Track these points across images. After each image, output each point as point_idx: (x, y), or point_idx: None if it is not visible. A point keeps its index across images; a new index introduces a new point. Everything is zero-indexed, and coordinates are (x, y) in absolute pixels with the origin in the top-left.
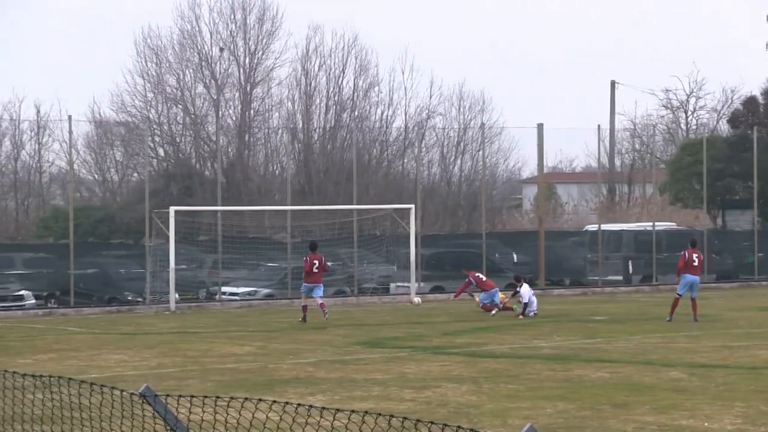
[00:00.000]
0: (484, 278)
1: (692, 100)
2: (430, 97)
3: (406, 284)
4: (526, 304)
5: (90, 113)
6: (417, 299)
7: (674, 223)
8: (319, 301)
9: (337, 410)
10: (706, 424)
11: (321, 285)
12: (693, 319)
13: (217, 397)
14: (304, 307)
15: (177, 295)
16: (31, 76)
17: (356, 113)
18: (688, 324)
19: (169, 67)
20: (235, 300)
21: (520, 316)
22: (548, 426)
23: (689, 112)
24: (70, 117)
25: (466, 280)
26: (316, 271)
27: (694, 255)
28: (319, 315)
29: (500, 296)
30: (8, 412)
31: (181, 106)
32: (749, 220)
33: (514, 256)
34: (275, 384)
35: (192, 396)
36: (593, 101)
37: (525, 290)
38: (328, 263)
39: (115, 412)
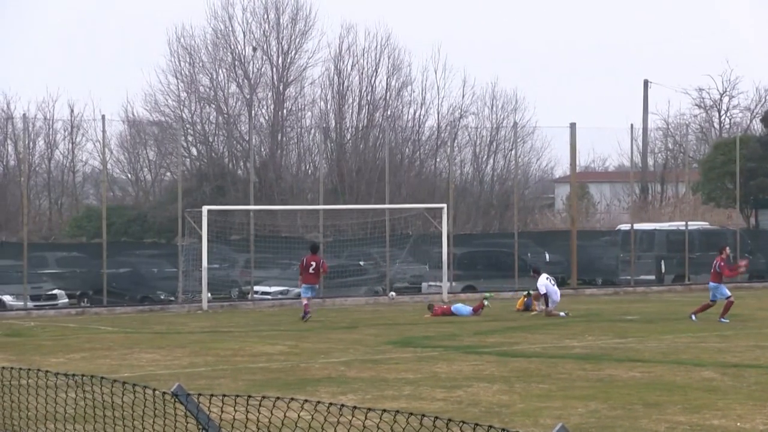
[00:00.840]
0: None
1: (725, 99)
2: (463, 97)
3: (438, 283)
4: (545, 295)
5: (123, 113)
6: (392, 294)
7: (707, 223)
8: (305, 302)
9: (369, 410)
10: (738, 423)
11: (315, 287)
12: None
13: (249, 397)
14: (306, 305)
15: (209, 295)
16: (66, 76)
17: (389, 112)
18: (719, 324)
19: (203, 66)
20: (267, 299)
21: (544, 312)
22: (580, 426)
23: (722, 111)
24: (103, 116)
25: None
26: (312, 272)
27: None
28: (351, 314)
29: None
30: (41, 411)
31: (214, 106)
32: None
33: (546, 255)
34: (307, 383)
35: (224, 395)
36: (626, 101)
37: (541, 281)
38: (327, 265)
39: (147, 411)
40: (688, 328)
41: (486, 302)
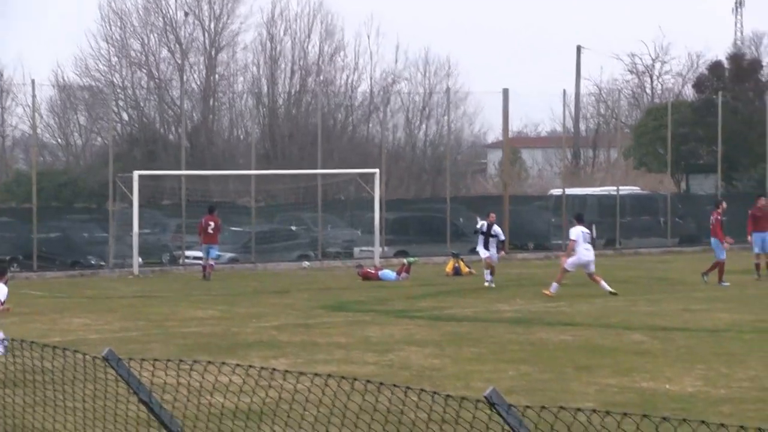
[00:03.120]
0: None
1: (658, 65)
2: (396, 62)
3: (370, 248)
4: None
5: (54, 77)
6: (306, 263)
7: (638, 188)
8: (211, 262)
9: (300, 373)
10: (667, 386)
11: (216, 246)
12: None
13: (180, 361)
14: (204, 267)
15: (140, 259)
16: None
17: (321, 78)
18: (649, 287)
19: (134, 31)
20: (199, 264)
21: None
22: (511, 389)
23: (654, 77)
24: (33, 81)
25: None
26: (211, 232)
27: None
28: (283, 278)
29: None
30: None
31: (145, 71)
32: (713, 184)
33: (478, 220)
34: (238, 347)
35: (155, 359)
36: (559, 66)
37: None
38: (222, 225)
39: (78, 375)
40: (619, 292)
41: (406, 261)
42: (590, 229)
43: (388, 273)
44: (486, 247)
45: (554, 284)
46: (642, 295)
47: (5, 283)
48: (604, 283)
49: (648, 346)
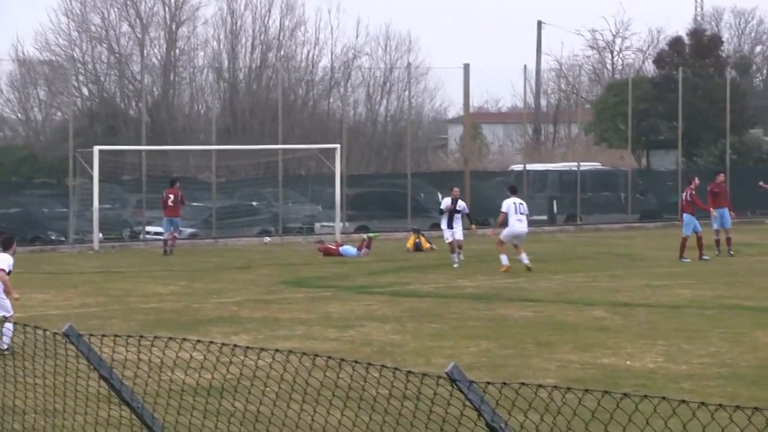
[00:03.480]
0: None
1: (618, 41)
2: (357, 37)
3: (330, 224)
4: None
5: (13, 52)
6: (267, 239)
7: (599, 163)
8: (175, 234)
9: (261, 349)
10: (628, 362)
11: (179, 219)
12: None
13: (141, 337)
14: (165, 242)
15: (101, 235)
16: None
17: (282, 53)
18: (610, 263)
19: (94, 5)
20: (159, 239)
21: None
22: (472, 365)
23: (615, 53)
24: None
25: None
26: (172, 205)
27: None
28: (244, 254)
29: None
30: None
31: (105, 45)
32: (673, 160)
33: (439, 196)
34: (199, 323)
35: (115, 335)
36: (520, 42)
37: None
38: (185, 198)
39: (38, 351)
40: (580, 268)
41: (366, 236)
42: (545, 203)
43: (349, 249)
44: (450, 225)
45: (502, 257)
46: (603, 271)
47: (12, 255)
48: (524, 255)
49: (609, 322)
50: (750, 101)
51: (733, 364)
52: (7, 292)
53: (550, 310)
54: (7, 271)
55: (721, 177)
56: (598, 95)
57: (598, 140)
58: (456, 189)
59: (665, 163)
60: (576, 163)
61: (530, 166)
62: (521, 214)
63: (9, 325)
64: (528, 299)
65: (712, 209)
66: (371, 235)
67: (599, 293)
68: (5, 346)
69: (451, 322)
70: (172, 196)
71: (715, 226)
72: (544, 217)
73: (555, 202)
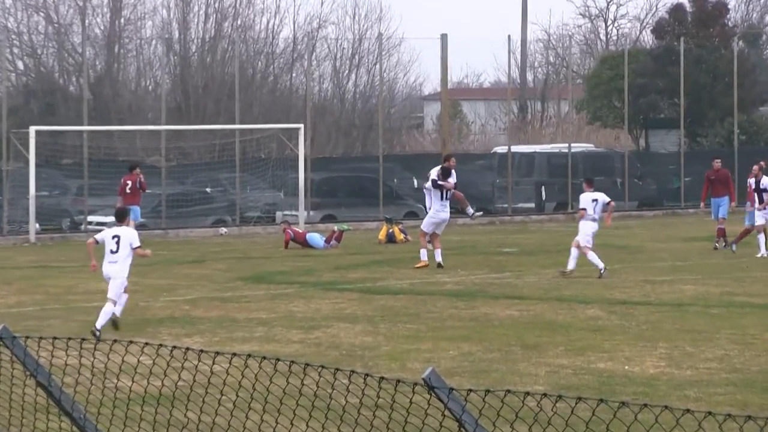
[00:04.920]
0: None
1: (613, 8)
2: (322, 4)
3: (294, 213)
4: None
5: None
6: (223, 230)
7: (592, 145)
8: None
9: (217, 353)
10: (626, 366)
11: (136, 208)
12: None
13: (83, 339)
14: None
15: (37, 225)
16: None
17: (239, 22)
18: (606, 256)
19: None
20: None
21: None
22: (452, 370)
23: (609, 22)
24: None
25: None
26: (129, 192)
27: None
28: (198, 247)
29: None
30: None
31: (42, 14)
32: (675, 141)
33: (415, 181)
34: (147, 324)
35: (54, 338)
36: (503, 10)
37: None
38: (146, 184)
39: None
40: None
41: (337, 228)
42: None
43: (316, 237)
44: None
45: (422, 251)
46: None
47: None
48: (439, 252)
49: (605, 322)
50: (759, 75)
51: (743, 368)
52: None
53: (538, 309)
54: (135, 246)
55: (717, 163)
56: (590, 69)
57: (590, 119)
58: (452, 158)
59: (666, 145)
60: (566, 145)
61: (515, 148)
62: (447, 200)
63: None
64: (514, 296)
65: (703, 200)
66: (343, 227)
67: (593, 289)
68: None
69: (429, 323)
70: (129, 183)
71: (713, 217)
72: (532, 205)
73: (543, 188)
